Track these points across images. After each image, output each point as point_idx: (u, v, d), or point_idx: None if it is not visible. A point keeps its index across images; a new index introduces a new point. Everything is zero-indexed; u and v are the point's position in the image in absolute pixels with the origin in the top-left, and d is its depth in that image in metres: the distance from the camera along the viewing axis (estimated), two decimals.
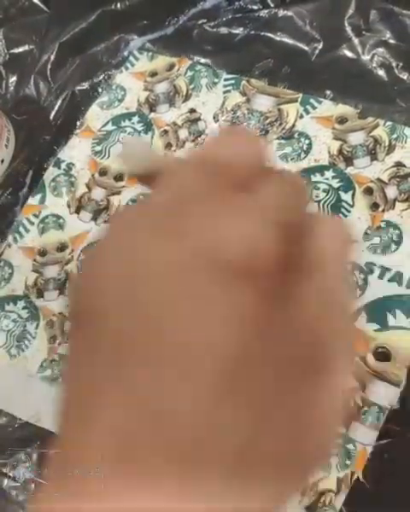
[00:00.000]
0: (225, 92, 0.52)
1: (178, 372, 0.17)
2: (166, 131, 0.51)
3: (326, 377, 0.19)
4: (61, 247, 0.49)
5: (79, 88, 0.56)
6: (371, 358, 0.40)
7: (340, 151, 0.47)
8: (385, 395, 0.39)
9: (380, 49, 0.50)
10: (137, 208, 0.21)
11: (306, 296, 0.19)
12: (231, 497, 0.17)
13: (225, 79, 0.52)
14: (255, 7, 0.55)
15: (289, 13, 0.53)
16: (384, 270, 0.43)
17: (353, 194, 0.46)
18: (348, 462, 0.38)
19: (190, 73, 0.53)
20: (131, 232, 0.19)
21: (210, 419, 0.17)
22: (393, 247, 0.43)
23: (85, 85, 0.56)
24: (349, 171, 0.46)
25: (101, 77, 0.55)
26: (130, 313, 0.17)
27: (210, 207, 0.18)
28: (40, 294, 0.48)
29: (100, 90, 0.55)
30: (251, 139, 0.22)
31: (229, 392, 0.17)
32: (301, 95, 0.50)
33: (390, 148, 0.46)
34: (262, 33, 0.54)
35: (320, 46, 0.51)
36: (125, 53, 0.56)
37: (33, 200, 0.52)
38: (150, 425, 0.16)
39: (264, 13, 0.54)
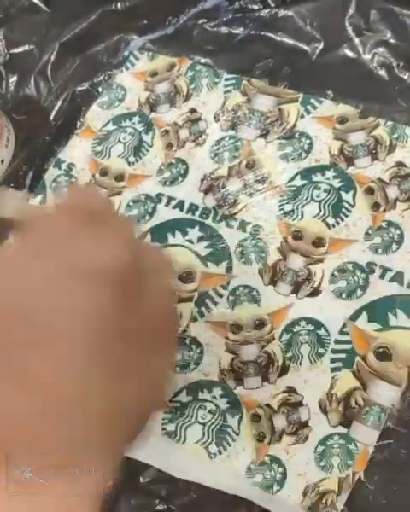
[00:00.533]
0: (225, 92, 0.51)
1: (49, 349, 0.23)
2: (166, 131, 0.51)
3: (162, 345, 0.28)
4: None
5: (79, 88, 0.56)
6: (372, 358, 0.40)
7: (341, 151, 0.47)
8: (387, 395, 0.39)
9: (381, 49, 0.50)
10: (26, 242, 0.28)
11: (145, 292, 0.27)
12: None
13: (226, 79, 0.52)
14: (256, 7, 0.55)
15: (290, 13, 0.53)
16: (385, 270, 0.43)
17: (354, 194, 0.45)
18: (349, 462, 0.38)
19: (190, 73, 0.53)
20: (18, 254, 0.27)
21: (82, 381, 0.24)
22: (394, 246, 0.43)
23: (86, 85, 0.56)
24: (350, 171, 0.46)
25: (101, 77, 0.55)
26: (10, 306, 0.24)
27: (77, 236, 0.26)
28: None
29: (100, 89, 0.55)
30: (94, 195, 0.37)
31: (93, 359, 0.24)
32: (301, 94, 0.50)
33: (391, 148, 0.46)
34: (263, 33, 0.54)
35: (321, 46, 0.51)
36: (126, 53, 0.56)
37: (34, 201, 0.52)
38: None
39: (264, 13, 0.54)
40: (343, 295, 0.42)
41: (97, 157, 0.52)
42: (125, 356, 0.25)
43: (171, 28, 0.56)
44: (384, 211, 0.44)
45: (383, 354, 0.40)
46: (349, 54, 0.51)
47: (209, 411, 0.41)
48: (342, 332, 0.41)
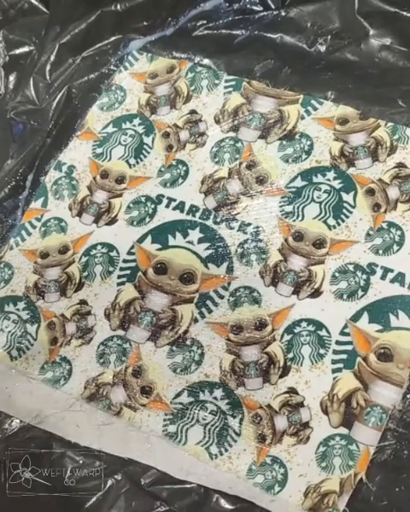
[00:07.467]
0: (225, 93, 0.51)
1: None
2: (167, 133, 0.51)
3: None
4: (63, 250, 0.49)
5: (78, 89, 0.56)
6: (373, 359, 0.40)
7: (341, 152, 0.47)
8: (388, 396, 0.39)
9: (382, 51, 0.50)
10: None
11: None
12: None
13: (226, 81, 0.52)
14: (256, 8, 0.55)
15: (291, 14, 0.53)
16: (387, 271, 0.43)
17: (354, 195, 0.45)
18: (351, 463, 0.38)
19: (190, 75, 0.53)
20: None
21: None
22: (395, 247, 0.43)
23: (85, 86, 0.56)
24: (351, 172, 0.46)
25: (100, 78, 0.55)
26: None
27: None
28: (41, 296, 0.48)
29: (100, 91, 0.55)
30: None
31: None
32: (302, 96, 0.50)
33: (392, 149, 0.46)
34: (263, 34, 0.54)
35: (322, 48, 0.51)
36: (125, 54, 0.56)
37: (35, 204, 0.52)
38: None
39: (265, 14, 0.54)
40: (344, 296, 0.42)
41: (98, 159, 0.52)
42: None
43: (171, 29, 0.56)
44: (385, 212, 0.44)
45: (385, 355, 0.40)
46: (349, 55, 0.51)
47: (210, 412, 0.41)
48: (343, 333, 0.41)
